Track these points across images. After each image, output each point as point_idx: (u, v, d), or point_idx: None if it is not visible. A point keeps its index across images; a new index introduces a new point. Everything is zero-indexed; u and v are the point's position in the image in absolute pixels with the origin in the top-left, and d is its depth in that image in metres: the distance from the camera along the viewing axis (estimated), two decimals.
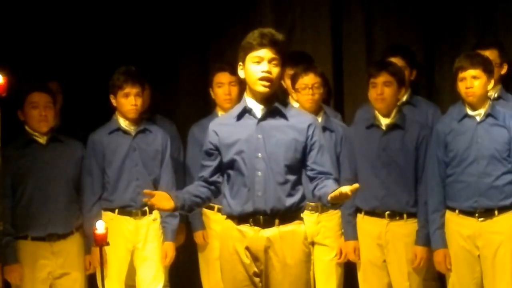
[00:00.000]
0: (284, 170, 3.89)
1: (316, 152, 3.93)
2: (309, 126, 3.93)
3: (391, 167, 4.80)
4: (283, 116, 3.93)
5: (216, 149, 3.97)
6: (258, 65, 3.85)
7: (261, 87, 3.87)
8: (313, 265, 4.96)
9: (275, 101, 3.94)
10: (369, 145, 4.85)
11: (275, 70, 3.86)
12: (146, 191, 3.91)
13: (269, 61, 3.84)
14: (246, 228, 3.92)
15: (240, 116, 3.96)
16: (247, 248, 3.92)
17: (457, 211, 4.69)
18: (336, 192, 3.70)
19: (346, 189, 3.68)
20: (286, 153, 3.89)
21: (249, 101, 3.95)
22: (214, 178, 4.02)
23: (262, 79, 3.85)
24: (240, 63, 3.92)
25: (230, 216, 3.98)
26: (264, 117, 3.93)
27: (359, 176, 4.88)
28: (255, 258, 3.92)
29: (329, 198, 3.74)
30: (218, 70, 5.33)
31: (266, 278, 3.93)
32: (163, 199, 3.88)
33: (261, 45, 3.83)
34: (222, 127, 3.98)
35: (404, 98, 5.17)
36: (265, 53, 3.84)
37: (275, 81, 3.89)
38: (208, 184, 4.03)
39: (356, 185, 3.70)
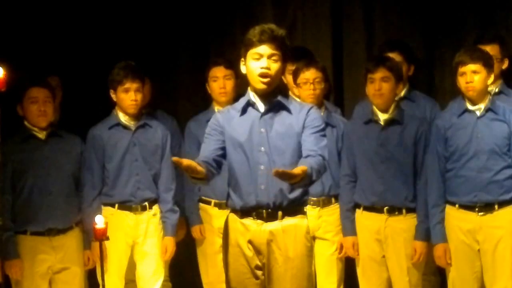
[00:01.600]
0: (287, 163, 3.88)
1: (305, 131, 3.90)
2: (307, 113, 3.93)
3: (390, 162, 4.80)
4: (286, 110, 3.95)
5: (219, 128, 3.96)
6: (257, 62, 3.86)
7: (260, 84, 3.89)
8: (314, 260, 4.99)
9: (278, 95, 3.95)
10: (368, 141, 4.84)
11: (275, 66, 3.87)
12: (175, 159, 3.66)
13: (268, 57, 3.86)
14: (249, 221, 3.94)
15: (244, 110, 3.97)
16: (250, 242, 3.93)
17: (457, 205, 4.69)
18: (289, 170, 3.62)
19: (297, 170, 3.63)
20: (288, 146, 3.91)
21: (252, 95, 3.97)
22: (214, 155, 3.93)
23: (261, 75, 3.87)
24: (242, 58, 3.93)
25: (233, 210, 3.99)
26: (267, 111, 3.94)
27: (357, 171, 4.89)
28: (257, 251, 3.94)
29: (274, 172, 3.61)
30: (213, 64, 5.33)
31: (268, 271, 3.94)
32: (193, 164, 3.71)
33: (261, 42, 3.85)
34: (227, 119, 3.99)
35: (402, 93, 5.18)
36: (264, 49, 3.86)
37: (275, 77, 3.90)
38: (209, 160, 3.90)
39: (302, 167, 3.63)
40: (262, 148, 3.90)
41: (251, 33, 3.88)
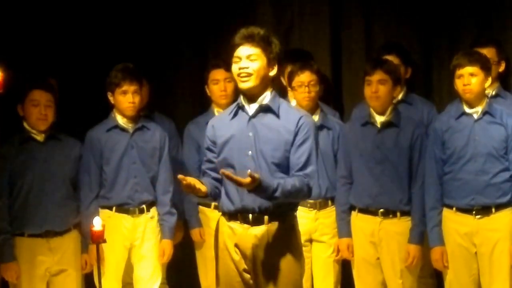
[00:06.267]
0: (273, 168, 3.89)
1: (295, 148, 3.90)
2: (297, 122, 3.91)
3: (385, 165, 4.80)
4: (274, 113, 3.93)
5: (210, 143, 4.00)
6: (237, 64, 3.89)
7: (240, 83, 3.90)
8: (311, 262, 5.00)
9: (267, 97, 3.93)
10: (364, 143, 4.85)
11: (254, 65, 3.86)
12: (180, 176, 3.79)
13: (247, 57, 3.86)
14: (236, 225, 3.94)
15: (234, 114, 3.98)
16: (236, 245, 3.94)
17: (454, 208, 4.69)
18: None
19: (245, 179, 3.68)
20: (274, 151, 3.89)
21: (242, 98, 3.97)
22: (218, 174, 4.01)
23: (239, 74, 3.88)
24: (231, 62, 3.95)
25: (223, 212, 4.01)
26: (255, 114, 3.94)
27: (353, 173, 4.89)
28: (244, 255, 3.94)
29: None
30: (213, 67, 5.33)
31: (254, 275, 3.94)
32: (197, 184, 3.84)
33: (238, 44, 3.87)
34: (219, 124, 4.01)
35: (400, 96, 5.17)
36: (242, 50, 3.87)
37: (257, 75, 3.87)
38: (215, 179, 4.02)
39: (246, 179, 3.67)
40: (250, 152, 3.90)
41: (233, 37, 3.91)
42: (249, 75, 3.87)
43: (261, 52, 3.87)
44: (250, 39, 3.86)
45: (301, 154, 3.89)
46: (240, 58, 3.87)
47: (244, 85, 3.88)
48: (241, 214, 3.91)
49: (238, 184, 3.71)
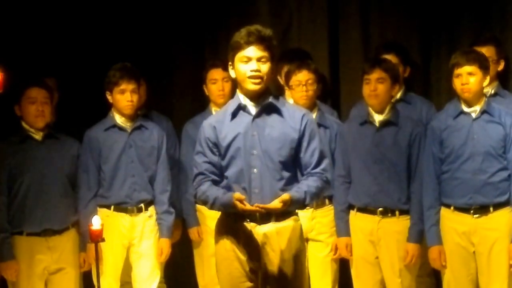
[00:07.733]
0: (280, 166, 3.90)
1: (305, 146, 3.92)
2: (301, 120, 3.93)
3: (384, 163, 4.80)
4: (278, 112, 3.94)
5: (215, 145, 3.98)
6: (246, 65, 3.86)
7: (252, 85, 3.89)
8: (308, 262, 4.99)
9: (269, 97, 3.94)
10: (362, 142, 4.85)
11: (265, 67, 3.87)
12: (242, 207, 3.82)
13: (258, 60, 3.85)
14: (242, 224, 3.93)
15: (235, 114, 3.96)
16: (243, 245, 3.93)
17: (452, 207, 4.68)
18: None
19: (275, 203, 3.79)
20: (280, 149, 3.90)
21: (243, 98, 3.95)
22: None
23: (251, 77, 3.86)
24: (230, 62, 3.92)
25: (226, 213, 3.98)
26: (258, 114, 3.93)
27: (352, 172, 4.89)
28: (251, 254, 3.93)
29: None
30: (211, 66, 5.34)
31: (263, 274, 3.94)
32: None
33: (248, 43, 3.84)
34: (219, 125, 3.98)
35: (398, 95, 5.17)
36: (253, 51, 3.85)
37: (266, 78, 3.89)
38: (214, 182, 4.01)
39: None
40: (255, 151, 3.90)
41: (237, 36, 3.88)
42: (261, 78, 3.87)
43: (270, 55, 3.87)
44: (261, 40, 3.84)
45: (313, 152, 3.93)
46: (249, 59, 3.85)
47: (255, 86, 3.88)
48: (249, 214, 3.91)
49: (273, 211, 3.79)
